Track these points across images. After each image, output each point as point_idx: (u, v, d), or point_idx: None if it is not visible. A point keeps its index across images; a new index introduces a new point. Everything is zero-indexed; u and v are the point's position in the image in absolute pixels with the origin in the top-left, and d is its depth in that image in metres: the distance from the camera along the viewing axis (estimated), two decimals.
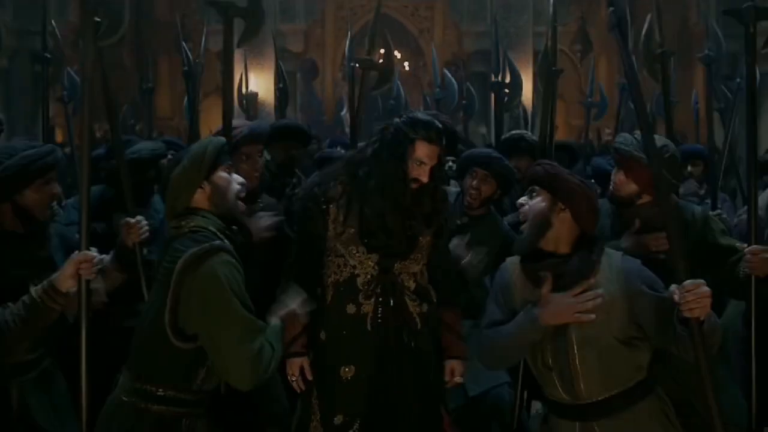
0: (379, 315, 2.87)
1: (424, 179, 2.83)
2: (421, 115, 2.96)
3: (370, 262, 2.88)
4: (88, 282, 2.56)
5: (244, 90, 7.95)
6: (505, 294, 2.75)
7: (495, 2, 12.03)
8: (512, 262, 2.77)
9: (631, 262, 2.62)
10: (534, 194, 2.69)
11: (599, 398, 2.57)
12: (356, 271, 2.88)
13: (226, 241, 2.51)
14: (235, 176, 2.69)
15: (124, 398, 2.51)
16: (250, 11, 3.38)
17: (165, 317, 2.43)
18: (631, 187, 3.16)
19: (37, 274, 2.64)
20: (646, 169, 2.94)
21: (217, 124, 9.07)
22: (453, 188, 4.08)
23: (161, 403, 2.48)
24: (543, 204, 2.64)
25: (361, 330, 2.87)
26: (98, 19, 3.21)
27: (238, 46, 3.42)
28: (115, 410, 2.51)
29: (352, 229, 2.86)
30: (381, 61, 4.27)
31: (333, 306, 2.90)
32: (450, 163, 4.23)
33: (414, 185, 2.83)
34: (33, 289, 2.57)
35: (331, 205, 2.89)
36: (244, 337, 2.39)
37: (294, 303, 2.65)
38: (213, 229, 2.51)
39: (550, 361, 2.61)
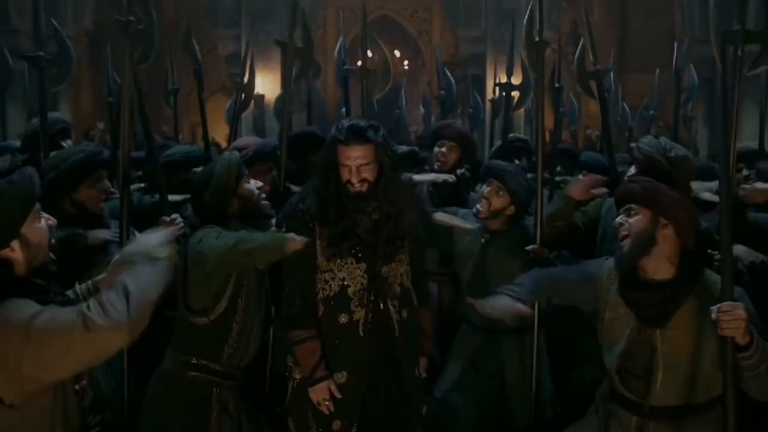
0: (370, 321, 2.90)
1: (354, 180, 2.80)
2: (346, 120, 2.93)
3: (358, 272, 2.88)
4: None
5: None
6: (586, 282, 2.76)
7: (488, 8, 12.35)
8: (611, 267, 2.71)
9: (737, 291, 2.40)
10: (632, 213, 2.61)
11: (667, 404, 2.56)
12: (346, 282, 2.88)
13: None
14: (253, 181, 3.07)
15: (167, 368, 2.92)
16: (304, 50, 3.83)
17: (179, 298, 2.84)
18: None
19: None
20: (663, 172, 3.04)
21: (221, 120, 9.42)
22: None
23: (195, 369, 2.86)
24: (644, 222, 2.56)
25: (354, 337, 2.89)
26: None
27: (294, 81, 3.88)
28: (159, 378, 2.93)
29: (344, 244, 2.86)
30: (375, 61, 4.40)
31: (324, 319, 2.91)
32: (464, 170, 4.41)
33: (355, 187, 2.81)
34: (78, 287, 2.62)
35: (316, 222, 2.88)
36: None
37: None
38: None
39: (633, 365, 2.60)
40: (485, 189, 3.59)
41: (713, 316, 2.27)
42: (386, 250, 2.88)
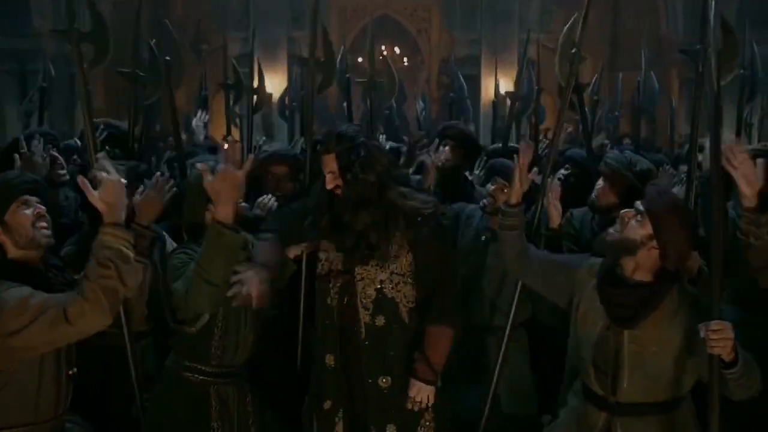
0: (341, 311, 2.88)
1: (328, 186, 2.80)
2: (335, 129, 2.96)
3: (339, 260, 2.88)
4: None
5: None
6: (567, 271, 2.82)
7: (483, 11, 12.78)
8: (593, 263, 2.77)
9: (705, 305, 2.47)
10: (639, 217, 2.58)
11: (634, 401, 2.59)
12: (332, 266, 2.90)
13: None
14: None
15: (168, 365, 3.01)
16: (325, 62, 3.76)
17: (165, 307, 2.91)
18: (611, 199, 3.38)
19: None
20: (628, 185, 3.17)
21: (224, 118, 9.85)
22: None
23: (188, 371, 2.93)
24: (641, 233, 2.55)
25: (331, 322, 2.90)
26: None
27: (319, 92, 3.82)
28: (163, 377, 3.04)
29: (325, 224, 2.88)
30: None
31: (319, 298, 2.95)
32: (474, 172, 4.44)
33: (337, 192, 2.80)
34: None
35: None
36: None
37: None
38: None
39: (602, 360, 2.62)
40: (490, 186, 3.67)
41: (702, 333, 2.29)
42: (361, 251, 2.80)
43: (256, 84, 5.97)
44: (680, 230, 2.51)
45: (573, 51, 3.41)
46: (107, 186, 2.25)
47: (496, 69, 8.19)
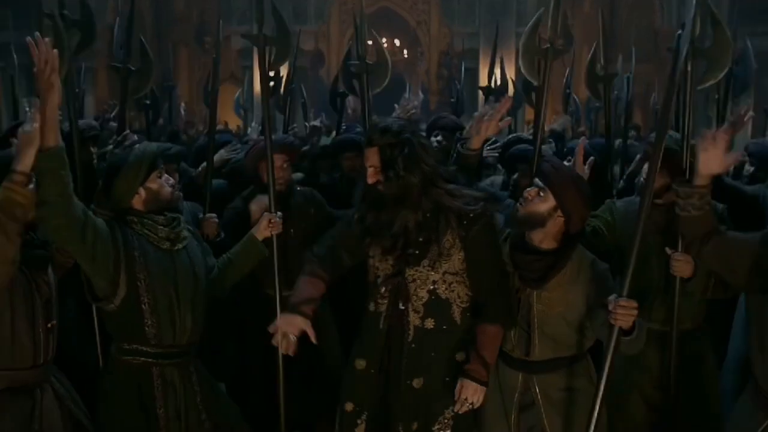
0: (391, 315, 2.82)
1: (369, 180, 2.71)
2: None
3: (387, 264, 2.80)
4: None
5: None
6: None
7: (481, 5, 13.01)
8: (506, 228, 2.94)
9: (601, 268, 2.76)
10: (542, 192, 2.75)
11: (545, 359, 2.80)
12: (378, 272, 2.84)
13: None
14: (165, 177, 2.90)
15: (110, 353, 2.94)
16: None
17: (85, 288, 2.84)
18: (662, 180, 3.09)
19: None
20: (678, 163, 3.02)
21: (229, 108, 9.97)
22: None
23: (128, 354, 2.84)
24: (545, 207, 2.73)
25: (376, 328, 2.84)
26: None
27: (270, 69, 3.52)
28: (106, 364, 3.02)
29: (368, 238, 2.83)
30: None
31: (365, 304, 2.90)
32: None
33: (378, 188, 2.71)
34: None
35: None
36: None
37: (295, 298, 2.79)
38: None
39: (521, 322, 2.81)
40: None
41: (609, 307, 2.46)
42: (413, 252, 2.73)
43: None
44: (580, 198, 2.74)
45: (546, 47, 3.25)
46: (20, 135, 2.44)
47: (493, 60, 8.33)
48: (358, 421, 2.86)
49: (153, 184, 2.83)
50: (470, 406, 2.75)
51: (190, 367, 2.95)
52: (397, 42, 18.71)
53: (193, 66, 16.58)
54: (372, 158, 2.69)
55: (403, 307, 2.77)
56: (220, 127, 10.10)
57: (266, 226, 3.17)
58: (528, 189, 2.80)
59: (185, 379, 2.91)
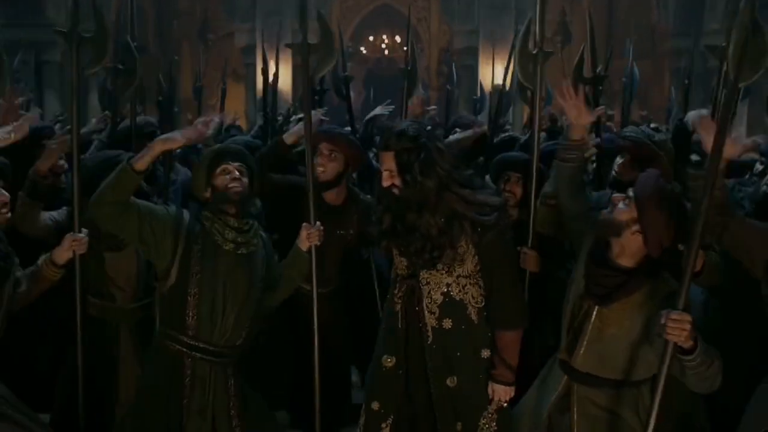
0: (407, 315, 2.87)
1: (384, 183, 2.72)
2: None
3: (403, 265, 2.87)
4: (82, 256, 3.09)
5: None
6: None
7: (480, 4, 13.13)
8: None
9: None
10: (627, 201, 2.62)
11: (586, 371, 2.73)
12: (398, 271, 2.90)
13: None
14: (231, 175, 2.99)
15: (155, 336, 3.11)
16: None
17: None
18: (633, 174, 3.12)
19: None
20: (649, 157, 3.22)
21: (233, 103, 10.13)
22: None
23: (168, 339, 2.96)
24: (626, 216, 2.59)
25: (395, 325, 2.89)
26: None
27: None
28: (151, 345, 3.13)
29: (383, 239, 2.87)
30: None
31: (388, 300, 2.98)
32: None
33: (394, 192, 2.73)
34: (40, 258, 3.07)
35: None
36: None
37: None
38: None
39: (571, 324, 2.76)
40: (504, 184, 3.63)
41: (662, 320, 2.31)
42: (429, 255, 2.74)
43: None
44: (661, 215, 2.52)
45: (535, 51, 3.30)
46: None
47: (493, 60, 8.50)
48: (383, 425, 2.91)
49: (218, 181, 2.96)
50: (505, 404, 2.87)
51: (228, 370, 3.00)
52: (398, 38, 18.99)
53: (197, 61, 16.67)
54: (388, 162, 2.69)
55: (417, 308, 2.82)
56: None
57: (306, 237, 3.16)
58: (616, 194, 2.77)
59: (218, 381, 2.97)
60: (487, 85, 12.35)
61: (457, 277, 2.80)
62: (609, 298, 2.61)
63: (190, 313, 2.89)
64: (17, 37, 10.86)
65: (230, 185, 2.95)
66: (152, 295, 3.39)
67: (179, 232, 2.90)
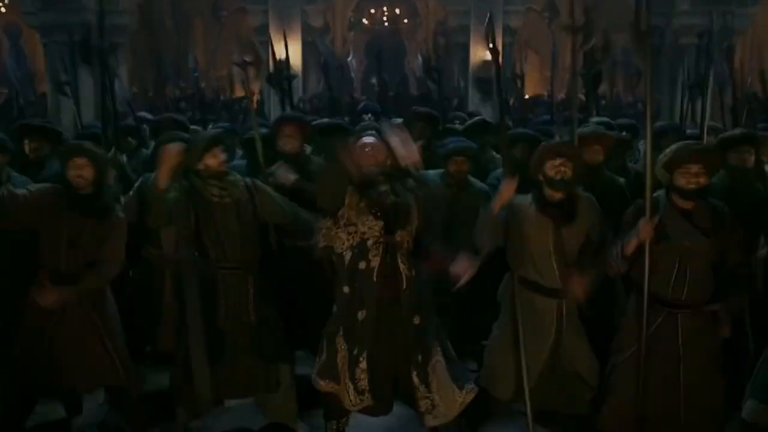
0: (383, 269, 3.43)
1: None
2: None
3: (376, 228, 3.42)
4: None
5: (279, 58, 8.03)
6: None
7: None
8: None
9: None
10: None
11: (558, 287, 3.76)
12: (366, 236, 3.43)
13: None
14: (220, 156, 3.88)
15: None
16: None
17: None
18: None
19: None
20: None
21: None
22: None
23: (202, 263, 3.88)
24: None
25: (370, 281, 3.44)
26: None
27: None
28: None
29: (362, 204, 3.41)
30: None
31: (350, 265, 3.47)
32: None
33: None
34: None
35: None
36: None
37: None
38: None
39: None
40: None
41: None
42: (401, 219, 3.44)
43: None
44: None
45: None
46: None
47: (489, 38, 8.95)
48: (360, 359, 3.48)
49: (208, 160, 3.85)
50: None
51: (248, 277, 3.93)
52: (397, 11, 20.25)
53: (209, 36, 17.64)
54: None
55: (391, 262, 3.42)
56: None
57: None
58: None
59: (241, 286, 3.89)
60: (478, 60, 13.36)
61: (409, 232, 3.50)
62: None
63: (207, 243, 3.83)
64: (51, 21, 11.77)
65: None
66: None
67: (188, 207, 3.81)
